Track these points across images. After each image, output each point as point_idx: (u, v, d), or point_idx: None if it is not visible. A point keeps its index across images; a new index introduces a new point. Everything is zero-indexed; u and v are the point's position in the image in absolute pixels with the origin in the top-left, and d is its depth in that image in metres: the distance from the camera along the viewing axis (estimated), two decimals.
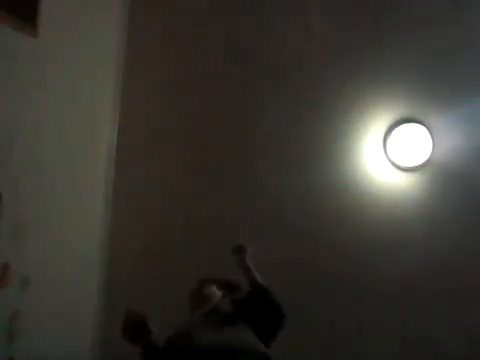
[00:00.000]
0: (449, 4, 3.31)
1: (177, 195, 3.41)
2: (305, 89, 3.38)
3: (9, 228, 2.45)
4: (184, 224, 3.39)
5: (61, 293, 2.84)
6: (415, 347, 3.26)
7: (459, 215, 3.29)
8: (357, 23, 3.37)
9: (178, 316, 2.34)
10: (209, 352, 2.04)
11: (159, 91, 3.47)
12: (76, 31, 2.91)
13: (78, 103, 2.96)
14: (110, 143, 3.37)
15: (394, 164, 3.36)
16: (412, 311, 3.27)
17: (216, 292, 2.53)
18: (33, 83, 2.57)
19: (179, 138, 3.44)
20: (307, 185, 3.35)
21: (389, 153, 3.35)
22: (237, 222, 3.35)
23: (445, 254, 3.28)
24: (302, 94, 3.38)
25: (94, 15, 3.09)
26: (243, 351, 2.07)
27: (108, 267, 3.33)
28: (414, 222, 3.31)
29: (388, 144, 3.35)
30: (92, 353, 3.23)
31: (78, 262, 3.04)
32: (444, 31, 3.31)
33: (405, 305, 3.28)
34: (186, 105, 3.45)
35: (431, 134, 3.31)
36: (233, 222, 3.35)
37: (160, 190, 3.42)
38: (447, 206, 3.30)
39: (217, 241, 3.25)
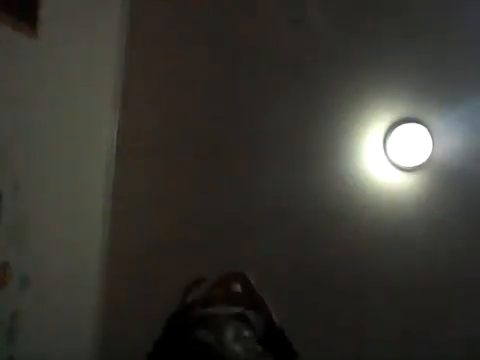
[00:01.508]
0: (449, 4, 3.32)
1: (177, 195, 3.41)
2: (305, 89, 3.38)
3: (9, 228, 2.45)
4: (184, 224, 3.39)
5: (61, 293, 2.84)
6: (415, 347, 3.26)
7: (459, 215, 3.29)
8: (357, 23, 3.37)
9: None
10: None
11: (159, 91, 3.47)
12: (76, 31, 2.90)
13: (78, 103, 2.95)
14: (110, 143, 3.37)
15: (394, 164, 3.35)
16: (412, 311, 3.27)
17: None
18: (33, 83, 2.57)
19: (179, 138, 3.44)
20: (306, 185, 3.35)
21: (389, 153, 3.35)
22: (237, 222, 3.35)
23: (445, 254, 3.28)
24: (302, 94, 3.38)
25: (94, 15, 3.09)
26: None
27: (108, 267, 3.33)
28: (414, 222, 3.31)
29: (388, 144, 3.35)
30: (92, 353, 3.23)
31: (78, 262, 3.04)
32: (444, 31, 3.31)
33: (405, 305, 3.28)
34: (186, 105, 3.45)
35: (431, 134, 3.31)
36: (233, 222, 3.35)
37: (160, 190, 3.42)
38: (447, 206, 3.30)
39: (217, 241, 3.25)
